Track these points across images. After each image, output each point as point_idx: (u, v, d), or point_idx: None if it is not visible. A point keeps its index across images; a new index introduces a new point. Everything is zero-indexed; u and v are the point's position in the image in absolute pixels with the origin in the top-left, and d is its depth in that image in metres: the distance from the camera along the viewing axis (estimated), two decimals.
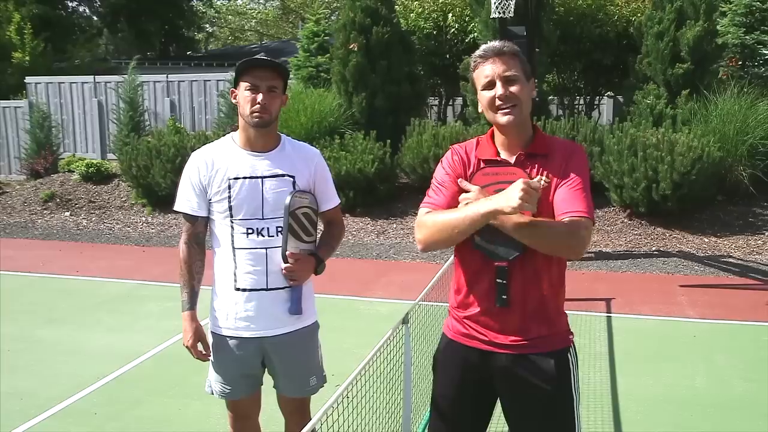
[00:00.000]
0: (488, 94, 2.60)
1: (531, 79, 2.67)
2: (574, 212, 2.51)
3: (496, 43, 2.64)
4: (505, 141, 2.68)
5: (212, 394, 3.42)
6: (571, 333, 2.73)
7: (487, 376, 2.68)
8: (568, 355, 2.66)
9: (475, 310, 2.67)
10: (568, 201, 2.54)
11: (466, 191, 2.59)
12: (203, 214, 3.27)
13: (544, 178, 2.43)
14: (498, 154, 2.68)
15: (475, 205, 2.48)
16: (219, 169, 3.21)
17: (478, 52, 2.66)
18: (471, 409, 2.75)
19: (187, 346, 3.29)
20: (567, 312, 2.75)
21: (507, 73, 2.57)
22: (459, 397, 2.76)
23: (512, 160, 2.64)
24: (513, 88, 2.57)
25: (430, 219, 2.62)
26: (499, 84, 2.57)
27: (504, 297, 2.58)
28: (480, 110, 2.71)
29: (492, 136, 2.73)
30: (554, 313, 2.65)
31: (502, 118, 2.59)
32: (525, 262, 2.57)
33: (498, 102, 2.58)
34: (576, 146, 2.72)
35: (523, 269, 2.58)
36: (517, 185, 2.34)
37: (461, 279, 2.73)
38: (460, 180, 2.64)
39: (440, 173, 2.74)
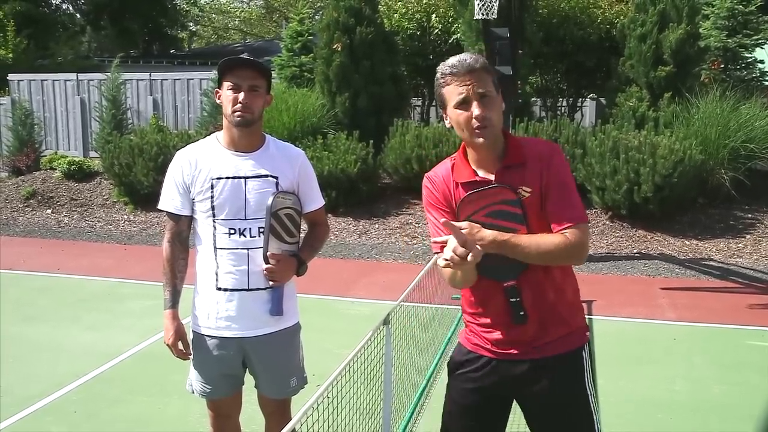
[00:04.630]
0: (462, 113, 2.50)
1: (500, 90, 2.57)
2: (570, 221, 2.51)
3: (467, 59, 2.50)
4: (479, 158, 2.61)
5: (193, 393, 3.41)
6: (587, 328, 2.74)
7: (502, 386, 2.68)
8: (582, 352, 2.67)
9: (491, 326, 2.66)
10: (561, 210, 2.53)
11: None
12: (186, 213, 3.26)
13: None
14: (475, 173, 2.61)
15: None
16: (202, 169, 3.20)
17: (447, 68, 2.53)
18: (484, 419, 2.74)
19: (168, 344, 3.28)
20: None
21: (481, 90, 2.48)
22: (471, 407, 2.73)
23: (491, 176, 2.57)
24: (488, 107, 2.49)
25: (442, 269, 2.57)
26: (475, 104, 2.47)
27: (522, 314, 2.57)
28: (449, 125, 2.60)
29: (465, 153, 2.65)
30: (567, 312, 2.65)
31: (478, 139, 2.51)
32: (528, 275, 2.56)
33: (475, 123, 2.48)
34: (551, 147, 2.65)
35: (529, 282, 2.57)
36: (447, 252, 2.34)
37: (472, 298, 2.71)
38: (444, 222, 2.43)
39: (430, 211, 2.67)
